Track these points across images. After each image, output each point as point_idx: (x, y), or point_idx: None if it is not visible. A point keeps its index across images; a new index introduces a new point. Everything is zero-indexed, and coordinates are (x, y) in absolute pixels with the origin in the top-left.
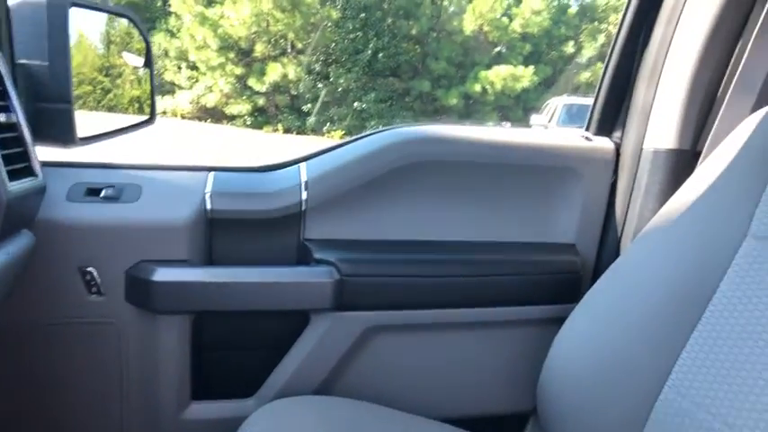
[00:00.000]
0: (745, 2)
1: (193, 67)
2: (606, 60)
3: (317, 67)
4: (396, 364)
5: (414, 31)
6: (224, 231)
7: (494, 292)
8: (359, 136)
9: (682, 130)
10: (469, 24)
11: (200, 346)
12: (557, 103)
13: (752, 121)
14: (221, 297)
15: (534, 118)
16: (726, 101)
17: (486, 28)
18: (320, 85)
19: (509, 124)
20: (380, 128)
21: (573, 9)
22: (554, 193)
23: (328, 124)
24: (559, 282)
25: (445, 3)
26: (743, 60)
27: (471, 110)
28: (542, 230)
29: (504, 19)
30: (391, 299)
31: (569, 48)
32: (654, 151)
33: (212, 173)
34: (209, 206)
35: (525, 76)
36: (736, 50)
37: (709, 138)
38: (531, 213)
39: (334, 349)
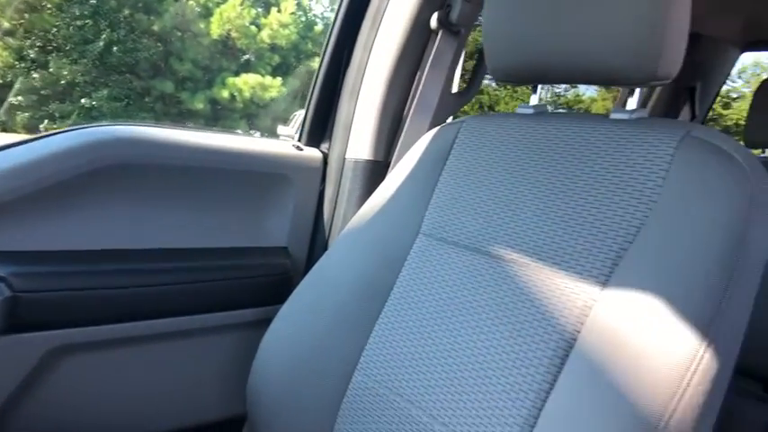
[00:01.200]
0: (421, 38)
1: None
2: (315, 77)
3: (33, 54)
4: (92, 386)
5: (155, 28)
6: None
7: (203, 298)
8: (45, 134)
9: (376, 143)
10: (217, 28)
11: None
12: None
13: (427, 137)
14: None
15: (281, 129)
16: (409, 119)
17: (234, 34)
18: (36, 75)
19: (258, 133)
20: (74, 126)
21: (319, 27)
22: (266, 198)
23: (47, 121)
24: (271, 284)
25: (191, 2)
26: (420, 86)
27: (219, 116)
28: (255, 235)
29: (253, 27)
30: (82, 314)
31: (316, 63)
32: (354, 161)
33: None
34: None
35: (274, 86)
36: (416, 78)
37: (396, 150)
38: (243, 218)
39: (7, 378)
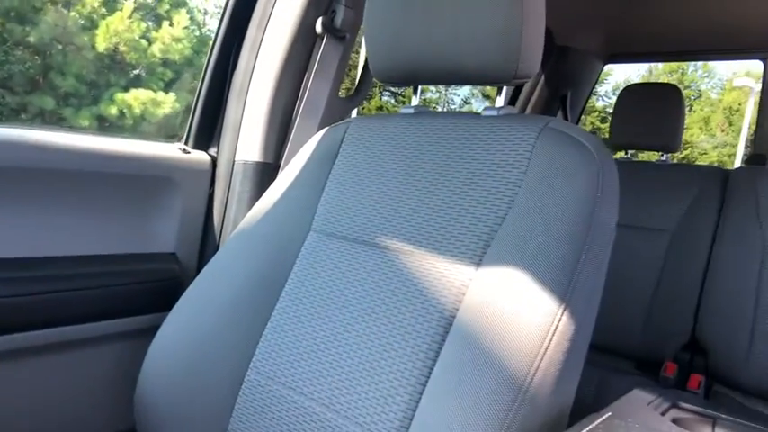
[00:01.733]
0: (307, 42)
1: None
2: (201, 80)
3: None
4: None
5: (32, 39)
6: None
7: (87, 307)
8: None
9: (265, 145)
10: (103, 41)
11: None
12: None
13: (316, 138)
14: None
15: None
16: (297, 122)
17: (122, 48)
18: None
19: None
20: None
21: None
22: (153, 203)
23: None
24: (158, 290)
25: (73, 13)
26: (308, 90)
27: (108, 133)
28: (141, 241)
29: (143, 41)
30: None
31: None
32: (244, 164)
33: None
34: None
35: (166, 102)
36: (304, 81)
37: (285, 152)
38: (128, 224)
39: None
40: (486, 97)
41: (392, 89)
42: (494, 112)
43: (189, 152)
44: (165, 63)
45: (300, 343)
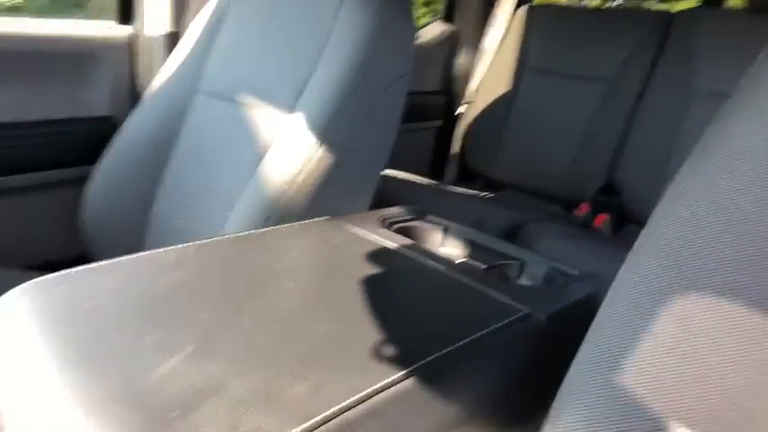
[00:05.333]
0: None
1: None
2: None
3: None
4: None
5: None
6: None
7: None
8: None
9: (174, 16)
10: None
11: None
12: None
13: (210, 5)
14: None
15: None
16: None
17: None
18: None
19: None
20: None
21: None
22: (82, 77)
23: None
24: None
25: None
26: None
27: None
28: (78, 107)
29: None
30: None
31: None
32: (158, 35)
33: None
34: None
35: None
36: None
37: (186, 20)
38: (64, 93)
39: None
40: None
41: None
42: None
43: (112, 27)
44: None
45: (192, 204)
